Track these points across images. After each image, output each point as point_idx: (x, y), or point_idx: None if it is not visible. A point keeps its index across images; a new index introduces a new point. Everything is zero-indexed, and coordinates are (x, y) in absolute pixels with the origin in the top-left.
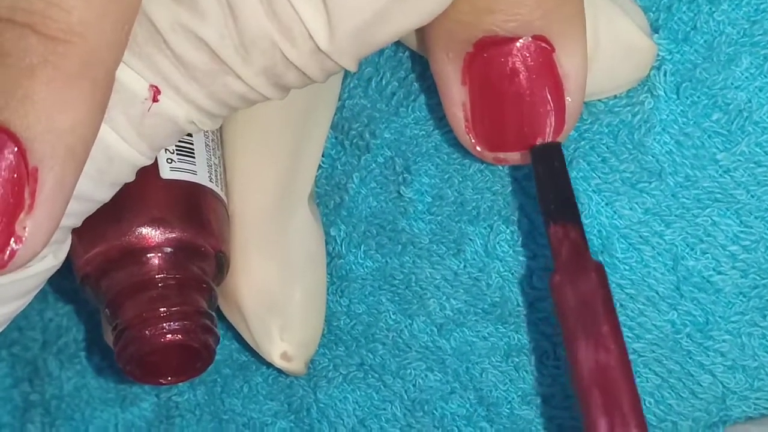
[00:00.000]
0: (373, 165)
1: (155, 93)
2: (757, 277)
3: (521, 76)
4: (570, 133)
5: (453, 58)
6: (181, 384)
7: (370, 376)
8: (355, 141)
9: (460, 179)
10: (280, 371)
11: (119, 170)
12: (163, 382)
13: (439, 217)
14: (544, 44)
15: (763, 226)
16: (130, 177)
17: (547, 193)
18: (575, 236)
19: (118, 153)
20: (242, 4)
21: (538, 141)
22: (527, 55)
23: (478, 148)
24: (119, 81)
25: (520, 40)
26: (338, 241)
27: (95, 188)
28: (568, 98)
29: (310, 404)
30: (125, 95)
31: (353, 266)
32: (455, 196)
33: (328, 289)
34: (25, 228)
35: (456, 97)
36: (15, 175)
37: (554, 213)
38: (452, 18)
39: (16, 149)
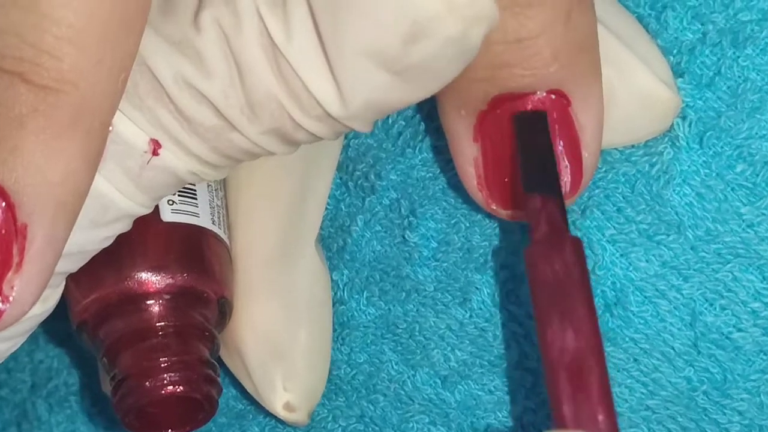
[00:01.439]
0: (378, 207)
1: (155, 147)
2: None
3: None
4: (587, 187)
5: (465, 115)
6: None
7: (370, 429)
8: (359, 182)
9: (468, 225)
10: (278, 421)
11: (115, 221)
12: None
13: (445, 264)
14: (560, 98)
15: None
16: (127, 227)
17: (528, 162)
18: (553, 208)
19: (113, 203)
20: (251, 64)
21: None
22: (542, 108)
23: (493, 206)
24: (117, 133)
25: (536, 94)
26: (340, 286)
27: (88, 239)
28: (585, 153)
29: None
30: (123, 147)
31: (355, 313)
32: (462, 242)
33: None
34: (13, 287)
35: (468, 153)
36: (3, 232)
37: (533, 183)
38: (466, 75)
39: (4, 204)
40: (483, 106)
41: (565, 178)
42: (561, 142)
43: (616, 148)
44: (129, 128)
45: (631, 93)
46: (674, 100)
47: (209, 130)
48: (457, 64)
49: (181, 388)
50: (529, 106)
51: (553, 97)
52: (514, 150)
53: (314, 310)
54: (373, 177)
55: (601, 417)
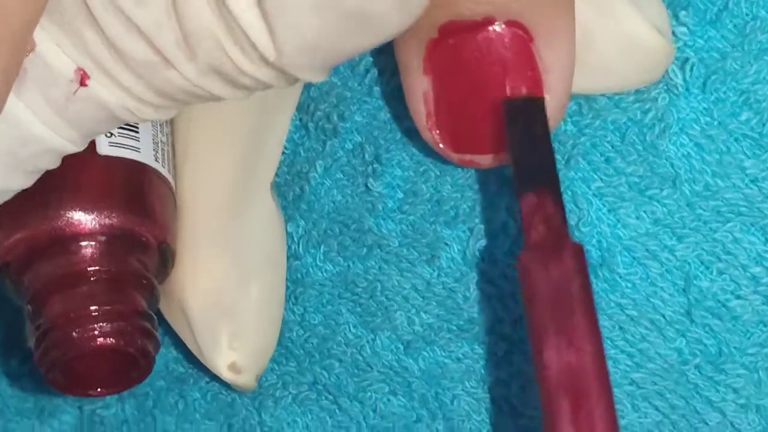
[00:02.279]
0: (340, 152)
1: (83, 77)
2: None
3: (491, 67)
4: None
5: (415, 44)
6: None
7: (324, 397)
8: (321, 124)
9: (438, 173)
10: (221, 386)
11: (37, 156)
12: (92, 393)
13: (412, 217)
14: (520, 32)
15: None
16: (54, 164)
17: (523, 156)
18: (552, 209)
19: (34, 136)
20: None
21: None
22: (499, 42)
23: (442, 146)
24: (39, 55)
25: (493, 26)
26: (295, 239)
27: (6, 175)
28: (546, 96)
29: (254, 426)
30: (47, 73)
31: (311, 269)
32: (431, 193)
33: None
34: None
35: (417, 88)
36: None
37: (529, 180)
38: None
39: None
40: (433, 34)
41: None
42: (521, 85)
43: (603, 94)
44: (53, 52)
45: (612, 36)
46: (665, 48)
47: (142, 65)
48: (399, 13)
49: (113, 340)
50: (483, 38)
51: (512, 30)
52: (468, 89)
53: (267, 264)
54: (335, 118)
55: None
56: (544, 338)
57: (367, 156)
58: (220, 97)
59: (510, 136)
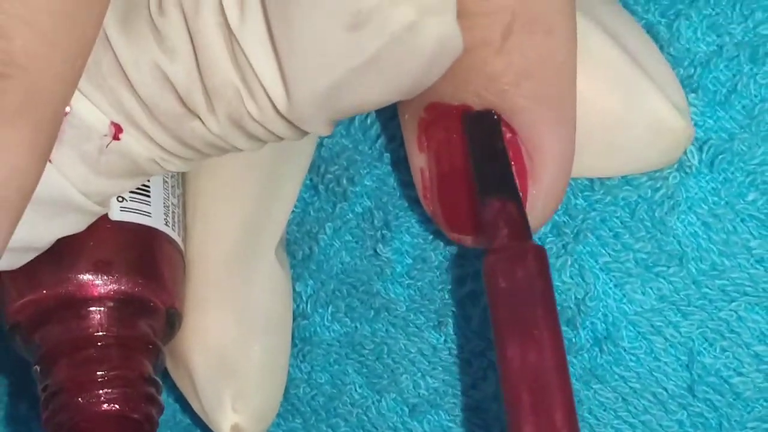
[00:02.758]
0: (350, 215)
1: (116, 131)
2: None
3: None
4: (537, 230)
5: (408, 121)
6: None
7: None
8: (331, 186)
9: (447, 241)
10: None
11: (63, 215)
12: None
13: (420, 283)
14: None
15: None
16: (79, 227)
17: (483, 165)
18: (512, 212)
19: (63, 195)
20: (208, 46)
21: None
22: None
23: (438, 223)
24: (75, 114)
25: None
26: (304, 298)
27: (34, 236)
28: (533, 190)
29: None
30: (81, 130)
31: (318, 328)
32: (440, 260)
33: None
34: None
35: (416, 162)
36: None
37: (492, 188)
38: None
39: None
40: (422, 113)
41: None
42: None
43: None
44: (88, 109)
45: (640, 120)
46: (687, 129)
47: (170, 118)
48: (416, 63)
49: (118, 406)
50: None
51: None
52: (466, 166)
53: (272, 324)
54: (345, 182)
55: None
56: (508, 336)
57: (376, 222)
58: (239, 149)
59: (470, 147)
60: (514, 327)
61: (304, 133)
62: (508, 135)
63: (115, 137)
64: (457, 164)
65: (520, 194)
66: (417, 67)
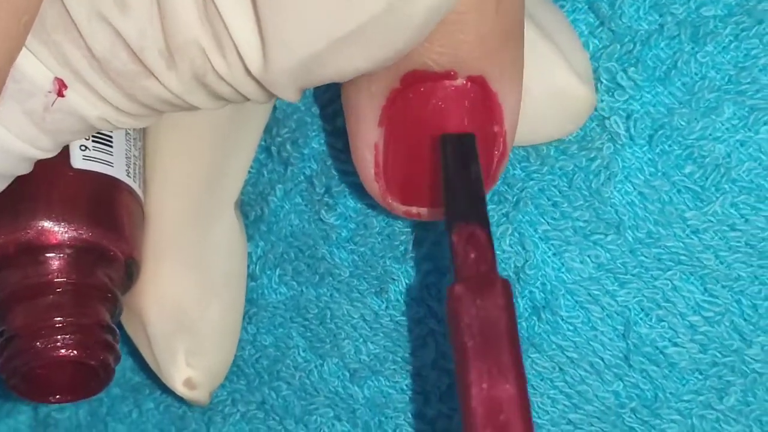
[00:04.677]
0: (301, 177)
1: (60, 87)
2: (718, 354)
3: (450, 119)
4: (492, 187)
5: (375, 93)
6: None
7: (271, 417)
8: (282, 148)
9: None
10: (175, 398)
11: (8, 163)
12: (51, 400)
13: (363, 249)
14: (483, 88)
15: (729, 297)
16: (25, 170)
17: (455, 189)
18: (484, 243)
19: (7, 148)
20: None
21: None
22: (461, 96)
23: (389, 200)
24: (17, 68)
25: (457, 80)
26: (254, 259)
27: None
28: (495, 151)
29: None
30: (24, 86)
31: (266, 291)
32: (382, 226)
33: None
34: None
35: (369, 137)
36: None
37: (462, 213)
38: None
39: None
40: (396, 84)
41: None
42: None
43: (550, 143)
44: (32, 64)
45: (544, 87)
46: (590, 97)
47: (122, 74)
48: (406, 33)
49: (75, 352)
50: (445, 89)
51: (475, 85)
52: (422, 140)
53: (229, 282)
54: (292, 145)
55: None
56: (471, 369)
57: (318, 187)
58: (198, 107)
59: (444, 170)
60: (478, 358)
61: (272, 97)
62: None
63: (60, 94)
64: (422, 134)
65: (490, 224)
66: (407, 37)
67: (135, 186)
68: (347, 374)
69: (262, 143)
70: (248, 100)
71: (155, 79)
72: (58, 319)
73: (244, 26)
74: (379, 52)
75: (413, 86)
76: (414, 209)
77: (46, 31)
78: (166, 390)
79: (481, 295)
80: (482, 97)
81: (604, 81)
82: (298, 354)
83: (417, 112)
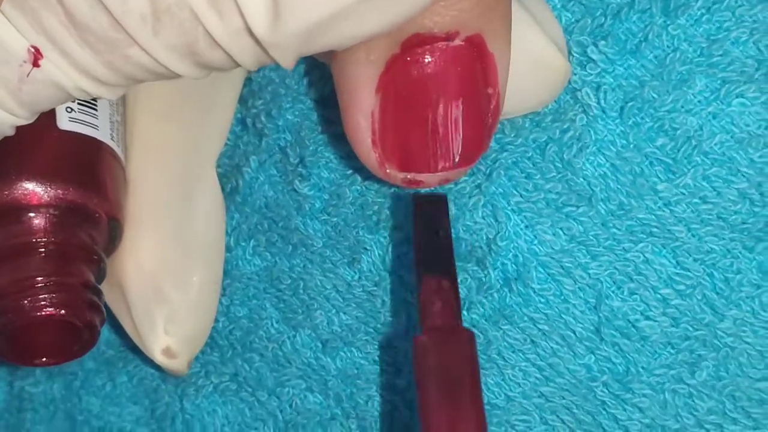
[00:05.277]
0: (276, 148)
1: (36, 56)
2: (690, 328)
3: (448, 81)
4: (483, 152)
5: (374, 60)
6: (38, 372)
7: (243, 389)
8: (256, 119)
9: (363, 178)
10: (148, 372)
11: None
12: (37, 362)
13: (335, 219)
14: (481, 47)
15: (701, 270)
16: (7, 132)
17: (426, 242)
18: (449, 295)
19: None
20: None
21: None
22: (461, 57)
23: (387, 169)
24: None
25: (455, 41)
26: (228, 230)
27: None
28: (488, 114)
29: (176, 413)
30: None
31: (240, 262)
32: (354, 196)
33: None
34: None
35: (365, 105)
36: None
37: (432, 267)
38: None
39: None
40: (396, 49)
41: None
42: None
43: (524, 115)
44: (6, 31)
45: (521, 57)
46: (566, 67)
47: (102, 41)
48: None
49: (61, 311)
50: (441, 55)
51: (474, 45)
52: (421, 104)
53: (209, 249)
54: (267, 116)
55: None
56: (434, 413)
57: (292, 158)
58: (181, 75)
59: (416, 225)
60: (442, 405)
61: (265, 63)
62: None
63: (35, 64)
64: (421, 98)
65: (457, 278)
66: None
67: (118, 150)
68: (319, 345)
69: (238, 115)
70: (237, 66)
71: (138, 46)
72: (42, 278)
73: None
74: (401, 11)
75: (410, 51)
76: (412, 175)
77: None
78: (140, 363)
79: (445, 346)
80: (479, 59)
81: (576, 54)
82: (271, 325)
83: (415, 77)
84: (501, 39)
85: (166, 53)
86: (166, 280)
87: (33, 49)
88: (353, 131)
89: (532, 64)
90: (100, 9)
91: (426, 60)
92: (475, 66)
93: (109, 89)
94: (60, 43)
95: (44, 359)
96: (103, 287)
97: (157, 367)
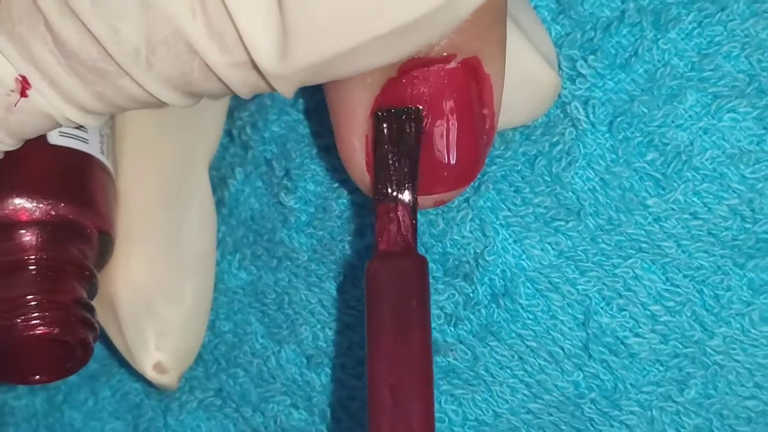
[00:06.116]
0: (262, 160)
1: (23, 86)
2: (679, 345)
3: (440, 103)
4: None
5: (370, 83)
6: (20, 386)
7: (228, 405)
8: (242, 131)
9: (349, 191)
10: (131, 387)
11: None
12: (31, 380)
13: (321, 232)
14: (476, 69)
15: (691, 287)
16: None
17: (387, 166)
18: (405, 218)
19: None
20: None
21: None
22: (456, 78)
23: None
24: None
25: (452, 63)
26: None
27: None
28: (483, 134)
29: (159, 429)
30: None
31: (225, 276)
32: (341, 209)
33: None
34: None
35: (360, 127)
36: None
37: (389, 190)
38: None
39: None
40: (393, 72)
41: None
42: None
43: (514, 128)
44: None
45: (514, 73)
46: (556, 81)
47: (92, 71)
48: (442, 29)
49: (54, 329)
50: (437, 77)
51: (470, 67)
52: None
53: (201, 263)
54: (252, 128)
55: None
56: (379, 339)
57: (277, 171)
58: (171, 105)
59: (377, 145)
60: (386, 328)
61: (263, 91)
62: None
63: (23, 93)
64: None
65: (417, 200)
66: (447, 31)
67: (108, 163)
68: (304, 360)
69: (226, 127)
70: (231, 94)
71: (129, 78)
72: (33, 296)
73: (255, 17)
74: (409, 48)
75: (407, 73)
76: None
77: (11, 21)
78: (124, 377)
79: (395, 271)
80: (474, 81)
81: (566, 69)
82: (256, 340)
83: (410, 99)
84: (496, 60)
85: (158, 84)
86: (158, 294)
87: (21, 78)
88: (347, 153)
89: (523, 79)
90: (90, 39)
91: (422, 82)
92: (471, 87)
93: (96, 118)
94: (49, 73)
95: (37, 377)
96: (94, 302)
97: (142, 382)
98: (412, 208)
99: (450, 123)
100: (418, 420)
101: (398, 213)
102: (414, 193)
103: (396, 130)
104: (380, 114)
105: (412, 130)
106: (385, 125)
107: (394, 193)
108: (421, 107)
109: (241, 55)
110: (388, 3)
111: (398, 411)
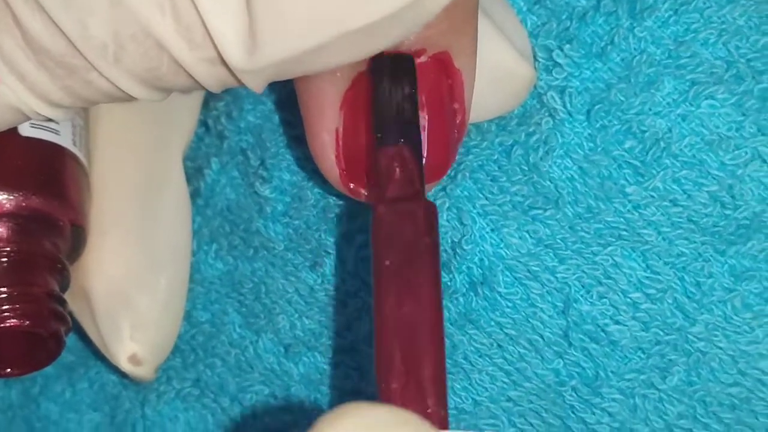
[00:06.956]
0: (237, 150)
1: None
2: (660, 332)
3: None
4: (450, 166)
5: (340, 77)
6: None
7: (205, 395)
8: (216, 122)
9: (325, 180)
10: (109, 378)
11: None
12: (1, 374)
13: (297, 222)
14: (446, 65)
15: (672, 274)
16: None
17: (387, 111)
18: (410, 163)
19: None
20: None
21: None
22: (427, 73)
23: (351, 185)
24: None
25: (422, 58)
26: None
27: None
28: (454, 129)
29: (136, 420)
30: None
31: (202, 266)
32: (316, 199)
33: None
34: None
35: (330, 121)
36: None
37: (391, 134)
38: None
39: None
40: (362, 67)
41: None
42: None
43: (490, 120)
44: None
45: (483, 67)
46: (531, 74)
47: (61, 66)
48: (411, 25)
49: (26, 322)
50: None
51: (439, 62)
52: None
53: (175, 254)
54: (227, 118)
55: (431, 401)
56: (388, 289)
57: (253, 160)
58: (137, 99)
59: (375, 91)
60: (396, 281)
61: (232, 86)
62: (449, 81)
63: None
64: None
65: (422, 144)
66: (415, 28)
67: (80, 155)
68: (282, 350)
69: (201, 117)
70: (200, 89)
71: (98, 72)
72: (7, 289)
73: (223, 13)
74: (379, 45)
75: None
76: (353, 185)
77: None
78: (100, 369)
79: (403, 218)
80: (445, 75)
81: (542, 59)
82: (234, 330)
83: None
84: (467, 55)
85: (125, 80)
86: (132, 285)
87: None
88: (317, 147)
89: (496, 73)
90: (59, 35)
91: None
92: (441, 82)
93: (65, 111)
94: (17, 67)
95: (9, 370)
96: (67, 295)
97: (119, 373)
98: (418, 152)
99: (420, 118)
100: (430, 376)
101: (405, 155)
102: (419, 135)
103: (394, 71)
104: (376, 58)
105: (411, 73)
106: (383, 67)
107: (399, 136)
108: (412, 55)
109: (209, 51)
110: (358, 2)
111: (409, 369)
